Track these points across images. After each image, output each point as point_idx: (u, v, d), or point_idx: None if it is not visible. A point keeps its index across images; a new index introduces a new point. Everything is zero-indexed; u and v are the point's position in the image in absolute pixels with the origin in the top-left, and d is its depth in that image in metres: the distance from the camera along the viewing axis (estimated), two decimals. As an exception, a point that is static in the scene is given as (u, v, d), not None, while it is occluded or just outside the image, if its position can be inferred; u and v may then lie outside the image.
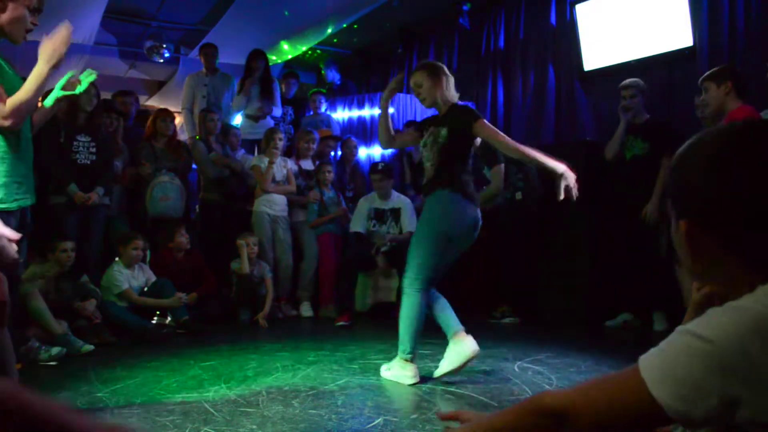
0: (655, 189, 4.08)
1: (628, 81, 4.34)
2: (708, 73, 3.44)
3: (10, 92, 2.19)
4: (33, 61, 2.19)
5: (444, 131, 2.78)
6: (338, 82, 6.98)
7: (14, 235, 1.97)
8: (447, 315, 2.77)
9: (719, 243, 0.81)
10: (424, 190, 2.87)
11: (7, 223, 2.15)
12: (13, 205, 2.20)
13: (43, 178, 3.95)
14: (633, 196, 4.17)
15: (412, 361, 2.74)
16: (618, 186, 4.34)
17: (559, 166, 2.55)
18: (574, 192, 2.50)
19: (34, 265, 3.65)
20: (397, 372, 2.76)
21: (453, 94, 2.90)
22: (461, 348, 2.67)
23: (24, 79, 2.24)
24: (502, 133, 2.76)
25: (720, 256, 0.81)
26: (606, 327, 4.27)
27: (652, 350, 0.78)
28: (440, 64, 2.99)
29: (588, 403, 0.80)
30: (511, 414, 0.90)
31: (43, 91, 2.25)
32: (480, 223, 2.81)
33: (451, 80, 2.92)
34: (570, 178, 2.51)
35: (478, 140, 2.81)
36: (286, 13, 6.06)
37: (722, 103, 3.28)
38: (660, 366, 0.75)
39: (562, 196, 2.49)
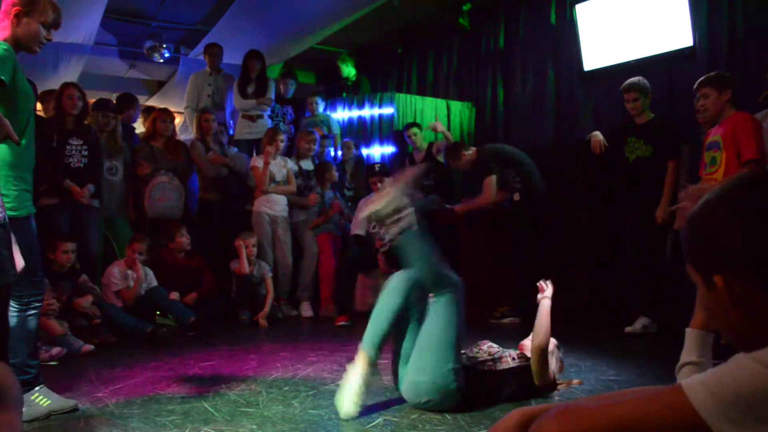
0: (664, 192, 3.96)
1: (629, 82, 4.11)
2: (707, 78, 3.39)
3: (23, 102, 2.25)
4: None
5: None
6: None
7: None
8: None
9: (766, 293, 0.76)
10: None
11: (21, 230, 2.23)
12: (23, 212, 2.28)
13: (35, 181, 3.94)
14: (637, 199, 4.08)
15: None
16: (621, 188, 4.24)
17: None
18: None
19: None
20: None
21: None
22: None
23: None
24: None
25: (765, 307, 0.77)
26: (606, 328, 4.26)
27: (699, 375, 0.76)
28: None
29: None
30: None
31: None
32: None
33: None
34: None
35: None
36: None
37: (721, 110, 3.34)
38: (713, 388, 0.72)
39: None
